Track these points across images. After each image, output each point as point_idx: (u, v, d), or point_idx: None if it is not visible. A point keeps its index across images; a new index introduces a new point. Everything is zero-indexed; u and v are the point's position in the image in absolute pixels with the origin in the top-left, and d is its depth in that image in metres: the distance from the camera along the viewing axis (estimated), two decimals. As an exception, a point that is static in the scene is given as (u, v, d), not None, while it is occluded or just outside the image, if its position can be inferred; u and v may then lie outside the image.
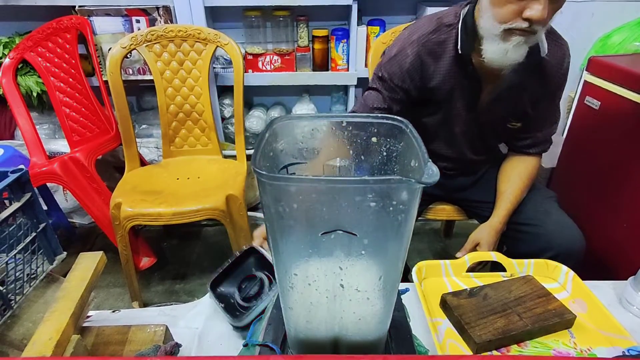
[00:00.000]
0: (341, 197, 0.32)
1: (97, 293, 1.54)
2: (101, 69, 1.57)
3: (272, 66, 1.74)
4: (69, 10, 1.53)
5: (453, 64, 0.90)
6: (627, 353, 0.60)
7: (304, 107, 1.85)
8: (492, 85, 0.91)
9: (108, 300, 1.52)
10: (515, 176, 1.03)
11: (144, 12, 1.54)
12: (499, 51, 0.79)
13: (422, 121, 1.02)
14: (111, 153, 1.71)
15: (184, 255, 1.76)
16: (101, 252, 0.70)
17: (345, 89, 1.85)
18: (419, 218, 1.21)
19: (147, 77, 1.65)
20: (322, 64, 1.75)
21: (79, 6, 1.51)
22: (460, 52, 0.87)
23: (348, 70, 1.72)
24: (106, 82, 1.43)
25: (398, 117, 0.41)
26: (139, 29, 1.56)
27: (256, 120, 1.80)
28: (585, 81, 1.19)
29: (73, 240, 1.83)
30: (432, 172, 0.30)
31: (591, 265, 1.11)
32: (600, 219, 1.16)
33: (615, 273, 1.08)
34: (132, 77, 1.68)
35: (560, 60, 0.91)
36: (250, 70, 1.74)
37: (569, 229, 0.97)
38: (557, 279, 0.84)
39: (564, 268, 0.83)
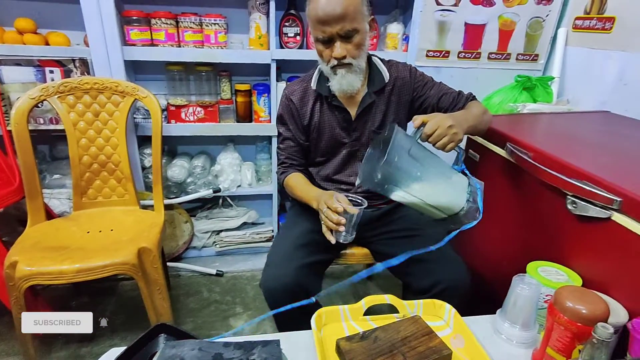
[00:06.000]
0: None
1: (-15, 365, 1.36)
2: (6, 118, 1.50)
3: (196, 117, 1.78)
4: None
5: (319, 103, 1.20)
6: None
7: (228, 156, 1.89)
8: (355, 110, 1.19)
9: (-2, 372, 1.35)
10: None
11: (59, 63, 1.53)
12: (336, 82, 1.11)
13: (316, 152, 1.25)
14: (15, 205, 1.60)
15: (95, 314, 1.61)
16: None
17: (269, 138, 1.94)
18: (338, 263, 1.28)
19: (60, 126, 1.60)
20: (245, 115, 1.82)
21: (-15, 54, 1.47)
22: (314, 88, 1.19)
23: (270, 122, 1.82)
24: (11, 131, 1.37)
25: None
26: (52, 80, 1.54)
27: (179, 169, 1.80)
28: (468, 137, 1.38)
29: (-39, 304, 1.62)
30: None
31: (483, 302, 1.23)
32: (488, 259, 1.31)
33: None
34: (44, 127, 1.62)
35: (406, 72, 1.22)
36: (173, 121, 1.76)
37: (457, 266, 1.10)
38: (443, 317, 0.93)
39: (447, 306, 0.92)
